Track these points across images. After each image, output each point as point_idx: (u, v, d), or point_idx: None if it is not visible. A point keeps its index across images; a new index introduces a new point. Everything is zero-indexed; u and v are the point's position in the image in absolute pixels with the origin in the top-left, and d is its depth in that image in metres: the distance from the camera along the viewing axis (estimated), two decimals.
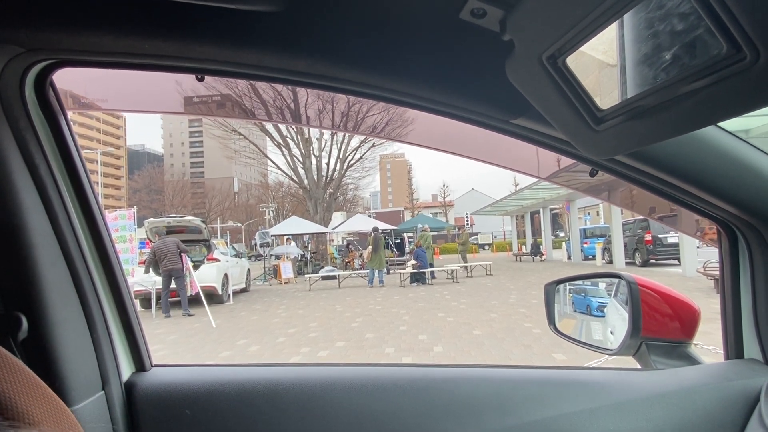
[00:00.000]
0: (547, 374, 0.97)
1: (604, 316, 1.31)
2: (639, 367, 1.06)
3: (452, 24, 0.62)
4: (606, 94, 0.56)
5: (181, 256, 10.15)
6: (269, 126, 26.95)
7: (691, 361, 1.01)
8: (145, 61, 0.73)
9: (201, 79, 0.80)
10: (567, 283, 1.34)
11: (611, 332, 1.27)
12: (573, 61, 0.56)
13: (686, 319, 1.05)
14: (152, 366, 1.01)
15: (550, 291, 1.30)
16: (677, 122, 0.49)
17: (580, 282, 1.36)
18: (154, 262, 10.17)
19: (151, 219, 12.58)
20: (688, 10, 0.41)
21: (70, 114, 0.89)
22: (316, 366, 1.00)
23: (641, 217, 16.45)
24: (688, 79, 0.44)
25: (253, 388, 0.93)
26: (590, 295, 1.38)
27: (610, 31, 0.50)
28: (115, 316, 0.95)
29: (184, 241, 10.76)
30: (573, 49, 0.53)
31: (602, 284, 1.36)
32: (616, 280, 1.23)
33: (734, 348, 0.97)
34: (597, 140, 0.60)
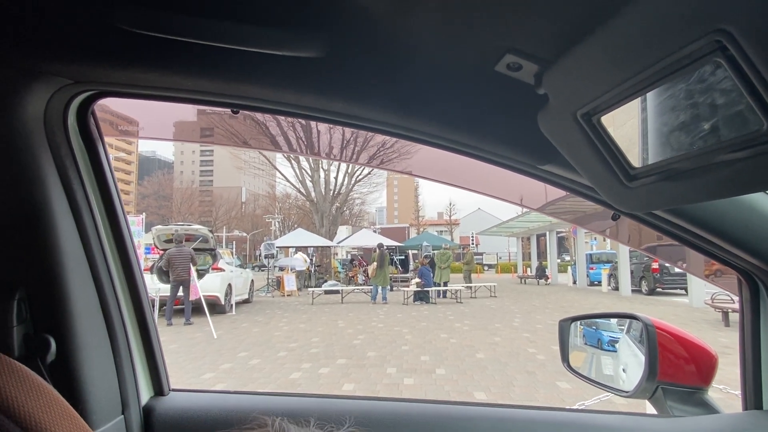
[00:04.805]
0: (564, 416, 0.96)
1: (615, 351, 1.30)
2: (653, 410, 1.04)
3: (487, 75, 0.64)
4: (639, 152, 0.57)
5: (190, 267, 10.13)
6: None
7: (709, 408, 1.00)
8: (185, 96, 0.75)
9: (236, 113, 0.83)
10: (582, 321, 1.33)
11: (623, 370, 1.25)
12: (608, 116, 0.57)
13: (703, 364, 1.04)
14: (170, 390, 1.02)
15: (565, 328, 1.29)
16: (711, 188, 0.50)
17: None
18: (164, 270, 10.10)
19: (159, 226, 12.62)
20: (730, 87, 0.42)
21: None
22: (335, 398, 1.00)
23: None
24: (725, 149, 0.44)
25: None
26: (602, 329, 1.37)
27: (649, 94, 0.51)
28: (138, 339, 0.96)
29: None
30: (609, 109, 0.54)
31: (614, 319, 1.35)
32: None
33: (753, 398, 0.96)
34: (628, 195, 0.61)
